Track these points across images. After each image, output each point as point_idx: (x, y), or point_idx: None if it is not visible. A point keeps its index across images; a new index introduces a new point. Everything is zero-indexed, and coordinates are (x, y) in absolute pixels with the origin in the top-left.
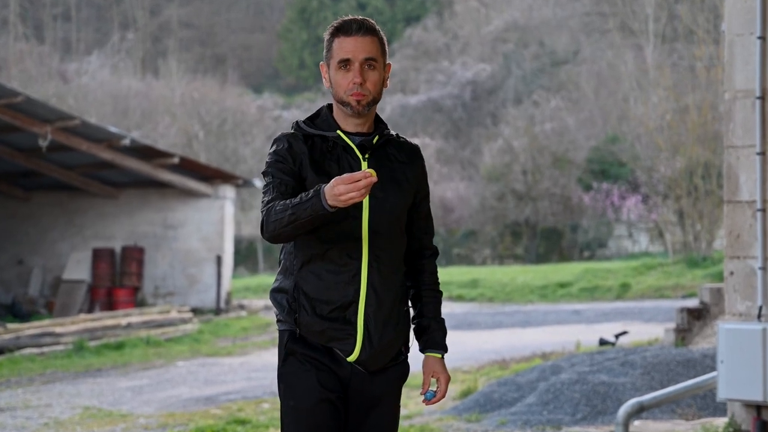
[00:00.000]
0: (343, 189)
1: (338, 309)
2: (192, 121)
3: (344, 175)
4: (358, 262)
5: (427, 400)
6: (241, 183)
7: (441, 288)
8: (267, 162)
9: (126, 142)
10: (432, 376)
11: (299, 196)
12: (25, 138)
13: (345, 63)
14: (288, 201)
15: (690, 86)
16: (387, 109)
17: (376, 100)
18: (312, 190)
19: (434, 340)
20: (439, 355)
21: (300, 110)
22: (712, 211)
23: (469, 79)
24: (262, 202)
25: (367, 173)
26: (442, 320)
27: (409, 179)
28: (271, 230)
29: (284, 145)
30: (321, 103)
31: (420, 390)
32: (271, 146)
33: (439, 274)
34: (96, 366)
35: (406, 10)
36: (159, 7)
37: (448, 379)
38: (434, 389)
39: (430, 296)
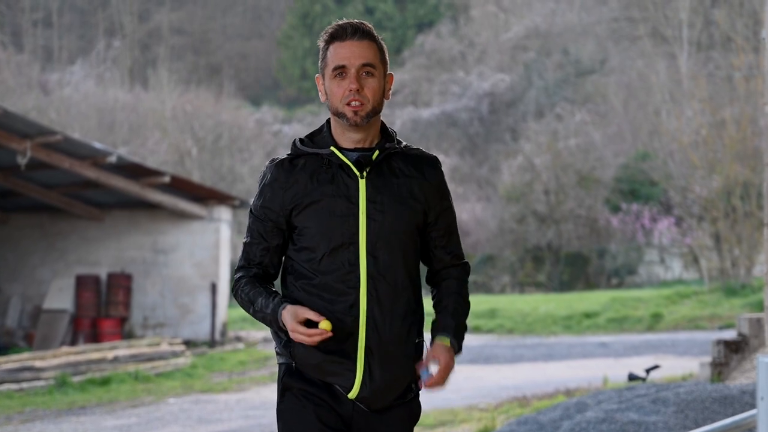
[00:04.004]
0: (298, 337)
1: (335, 341)
2: (184, 136)
3: (300, 326)
4: (355, 291)
5: (422, 381)
6: (237, 204)
7: None
8: (254, 201)
9: (112, 159)
10: (433, 357)
11: (261, 299)
12: (3, 155)
13: (340, 70)
14: (252, 293)
15: (727, 98)
16: (397, 123)
17: (376, 111)
18: (272, 305)
19: (444, 325)
20: (447, 342)
21: (302, 124)
22: (752, 235)
23: (486, 90)
24: (239, 259)
25: (323, 330)
26: (462, 321)
27: (416, 195)
28: (241, 306)
29: (267, 177)
30: (324, 116)
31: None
32: (260, 177)
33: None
34: (80, 403)
35: (417, 16)
36: (148, 12)
37: (449, 365)
38: (432, 371)
39: (451, 299)
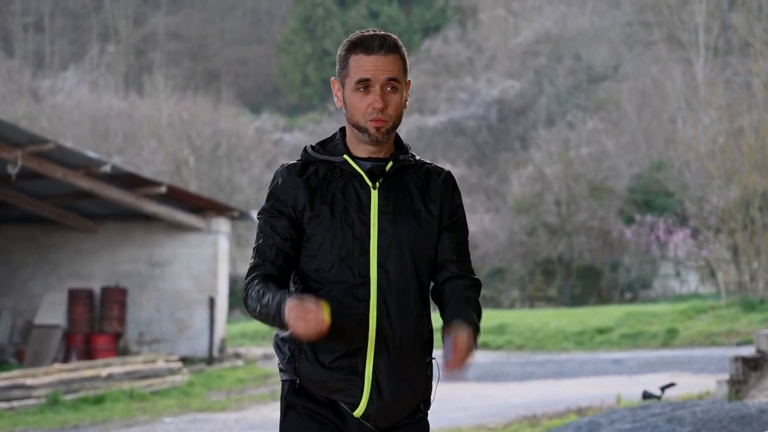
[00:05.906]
0: (293, 324)
1: (343, 357)
2: (181, 145)
3: (299, 307)
4: (365, 304)
5: (444, 360)
6: (236, 215)
7: None
8: (264, 205)
9: (106, 168)
10: (449, 333)
11: (268, 296)
12: None
13: (364, 84)
14: (261, 292)
15: (746, 105)
16: (402, 131)
17: (396, 125)
18: (278, 298)
19: (459, 312)
20: (464, 323)
21: (303, 132)
22: None
23: (495, 97)
24: (250, 263)
25: (321, 318)
26: (477, 316)
27: (429, 209)
28: (250, 312)
29: (279, 181)
30: (327, 124)
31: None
32: (271, 181)
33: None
34: (72, 422)
35: (424, 20)
36: (144, 16)
37: (469, 344)
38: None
39: (461, 299)
